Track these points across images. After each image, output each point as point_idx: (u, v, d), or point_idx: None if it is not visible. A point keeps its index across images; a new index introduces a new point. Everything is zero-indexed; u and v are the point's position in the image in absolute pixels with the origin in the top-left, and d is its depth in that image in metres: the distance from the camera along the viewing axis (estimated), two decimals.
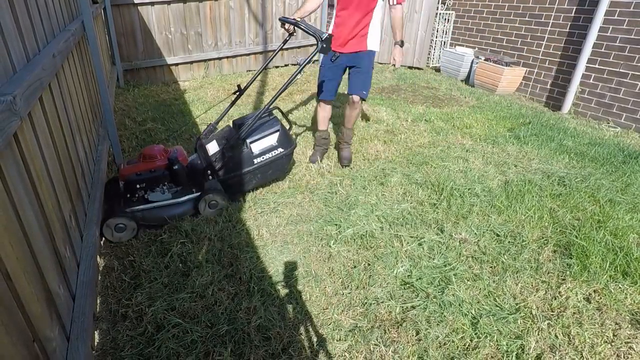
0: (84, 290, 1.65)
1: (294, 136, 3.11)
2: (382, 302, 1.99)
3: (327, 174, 3.30)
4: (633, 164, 3.49)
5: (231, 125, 3.04)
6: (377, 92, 5.66)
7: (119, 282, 2.09)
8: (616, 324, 1.90)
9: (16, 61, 1.35)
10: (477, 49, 6.49)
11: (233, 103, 3.26)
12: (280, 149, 2.85)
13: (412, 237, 2.48)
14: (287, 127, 3.00)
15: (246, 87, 3.25)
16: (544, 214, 2.71)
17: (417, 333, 1.82)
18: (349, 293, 2.05)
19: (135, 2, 5.28)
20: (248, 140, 2.76)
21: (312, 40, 7.21)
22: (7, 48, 1.27)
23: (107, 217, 2.33)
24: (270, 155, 2.83)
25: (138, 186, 2.53)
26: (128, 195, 2.55)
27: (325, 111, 3.51)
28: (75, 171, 1.99)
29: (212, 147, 2.88)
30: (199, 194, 2.66)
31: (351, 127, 3.47)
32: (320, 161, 3.51)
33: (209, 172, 2.72)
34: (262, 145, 2.83)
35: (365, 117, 4.56)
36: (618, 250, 2.32)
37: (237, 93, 3.22)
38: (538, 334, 1.83)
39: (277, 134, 2.86)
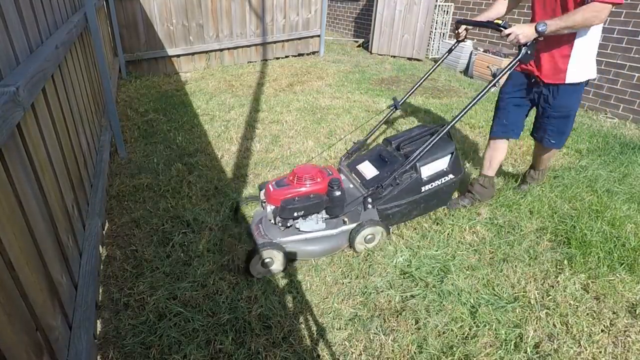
0: (86, 280, 1.67)
1: None
2: (382, 292, 2.00)
3: None
4: (630, 155, 3.48)
5: (383, 144, 2.60)
6: (377, 83, 5.64)
7: (121, 272, 2.10)
8: (614, 313, 1.91)
9: (19, 52, 1.35)
10: (475, 40, 6.46)
11: (385, 118, 2.84)
12: (451, 175, 2.44)
13: (411, 227, 2.49)
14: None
15: (403, 100, 2.77)
16: (543, 204, 2.72)
17: (417, 322, 1.84)
18: (349, 282, 2.07)
19: None
20: (418, 164, 2.31)
21: (314, 32, 7.19)
22: (11, 40, 1.27)
23: (255, 250, 2.01)
24: (439, 183, 2.40)
25: (295, 214, 2.11)
26: (279, 223, 2.17)
27: (492, 150, 2.64)
28: (78, 161, 2.00)
29: (368, 170, 2.45)
30: (353, 225, 2.23)
31: (541, 169, 2.84)
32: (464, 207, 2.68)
33: (369, 200, 2.27)
34: (433, 169, 2.39)
35: (365, 109, 4.55)
36: (615, 240, 2.33)
37: (393, 107, 2.79)
38: (536, 323, 1.84)
39: (450, 156, 2.42)
